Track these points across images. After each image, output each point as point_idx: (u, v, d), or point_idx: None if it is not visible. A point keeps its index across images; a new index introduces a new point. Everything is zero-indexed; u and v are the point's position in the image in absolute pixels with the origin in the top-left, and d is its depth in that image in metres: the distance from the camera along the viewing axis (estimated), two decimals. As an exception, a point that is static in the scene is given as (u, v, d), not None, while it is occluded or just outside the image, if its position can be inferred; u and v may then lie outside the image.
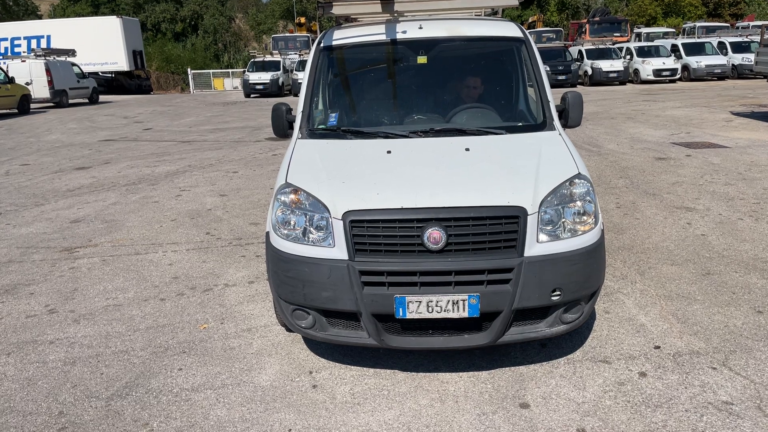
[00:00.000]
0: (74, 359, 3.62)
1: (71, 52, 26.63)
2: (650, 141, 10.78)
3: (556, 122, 3.84)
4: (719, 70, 25.01)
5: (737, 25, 34.91)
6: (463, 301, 2.95)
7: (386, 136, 3.75)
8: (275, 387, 3.24)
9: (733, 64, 25.21)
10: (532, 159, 3.36)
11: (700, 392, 3.03)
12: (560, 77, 25.46)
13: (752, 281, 4.40)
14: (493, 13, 5.22)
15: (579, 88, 24.94)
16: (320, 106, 4.24)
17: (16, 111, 21.63)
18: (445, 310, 2.97)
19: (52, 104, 24.49)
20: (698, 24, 35.21)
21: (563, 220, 3.10)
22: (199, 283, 4.77)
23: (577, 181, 3.20)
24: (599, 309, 4.01)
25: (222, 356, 3.59)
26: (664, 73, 25.12)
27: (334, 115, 4.17)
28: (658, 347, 3.49)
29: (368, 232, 3.00)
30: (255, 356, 3.57)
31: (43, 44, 31.97)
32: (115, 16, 35.63)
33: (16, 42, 33.73)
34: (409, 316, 2.97)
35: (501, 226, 2.98)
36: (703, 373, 3.21)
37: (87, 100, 26.99)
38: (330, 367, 3.42)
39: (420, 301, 2.95)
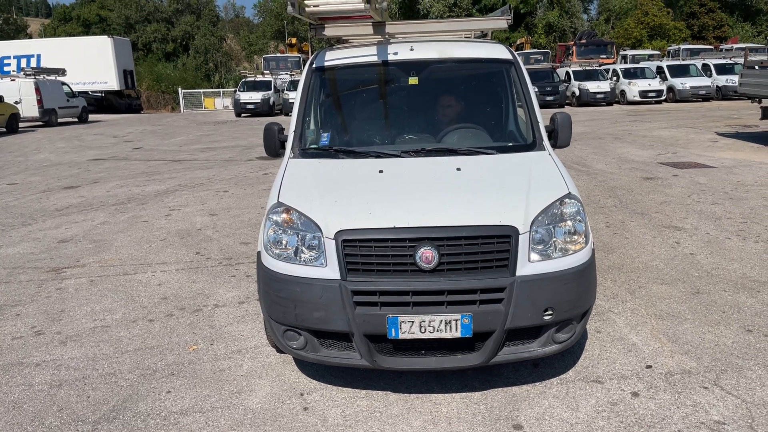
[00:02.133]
0: (61, 382, 3.55)
1: (61, 72, 26.58)
2: (638, 161, 10.90)
3: (546, 142, 3.88)
4: (704, 92, 25.45)
5: (721, 47, 35.59)
6: (456, 320, 2.93)
7: (378, 155, 3.76)
8: (266, 409, 3.19)
9: (717, 86, 25.66)
10: (523, 179, 3.39)
11: (692, 412, 3.03)
12: (548, 98, 25.74)
13: (741, 300, 4.43)
14: (482, 36, 5.28)
15: (567, 109, 25.24)
16: (312, 126, 4.24)
17: (5, 130, 21.50)
18: (437, 330, 2.94)
19: (41, 123, 24.37)
20: (683, 46, 35.86)
21: (554, 239, 3.11)
22: (189, 304, 4.72)
23: (567, 200, 3.23)
24: (591, 328, 4.01)
25: (211, 378, 3.54)
26: (650, 95, 25.53)
27: (326, 134, 4.18)
28: (649, 367, 3.49)
29: (360, 251, 2.99)
30: (245, 378, 3.53)
31: (33, 63, 31.89)
32: (106, 36, 35.73)
33: (5, 61, 33.67)
34: (401, 336, 2.95)
35: (493, 246, 2.98)
36: (694, 392, 3.21)
37: (76, 120, 26.90)
38: (321, 388, 3.38)
39: (413, 321, 2.93)
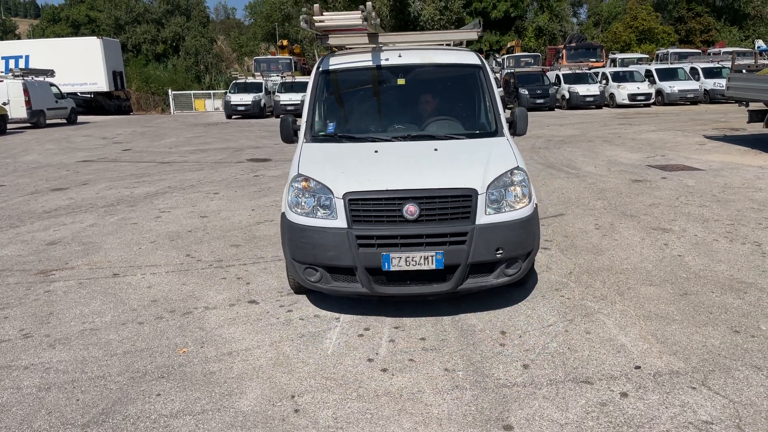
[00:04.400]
0: (49, 385, 3.53)
1: (50, 73, 26.35)
2: (627, 163, 10.99)
3: (506, 130, 4.91)
4: (692, 95, 25.67)
5: (709, 51, 35.93)
6: (432, 256, 3.93)
7: (373, 140, 4.73)
8: (256, 412, 3.19)
9: (705, 89, 25.89)
10: (484, 156, 4.40)
11: (681, 412, 3.06)
12: (538, 101, 25.87)
13: (728, 301, 4.48)
14: (459, 44, 6.00)
15: (557, 112, 25.41)
16: (318, 118, 5.12)
17: (-8, 131, 21.31)
18: (418, 264, 3.93)
19: (29, 125, 24.15)
20: (671, 50, 36.14)
21: (505, 199, 4.15)
22: (179, 306, 4.70)
23: (516, 171, 4.26)
24: (580, 329, 4.04)
25: (202, 381, 3.53)
26: (639, 98, 25.70)
27: (331, 124, 5.12)
28: (638, 367, 3.52)
29: (362, 207, 4.00)
30: (236, 380, 3.52)
31: (22, 64, 31.60)
32: (95, 37, 35.46)
33: (-7, 62, 33.35)
34: (393, 268, 3.94)
35: (459, 203, 4.01)
36: (683, 392, 3.24)
37: (65, 121, 26.68)
38: (312, 390, 3.38)
39: (400, 257, 3.93)
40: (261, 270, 5.51)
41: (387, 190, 3.98)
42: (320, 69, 5.24)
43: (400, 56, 5.19)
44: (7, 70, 29.26)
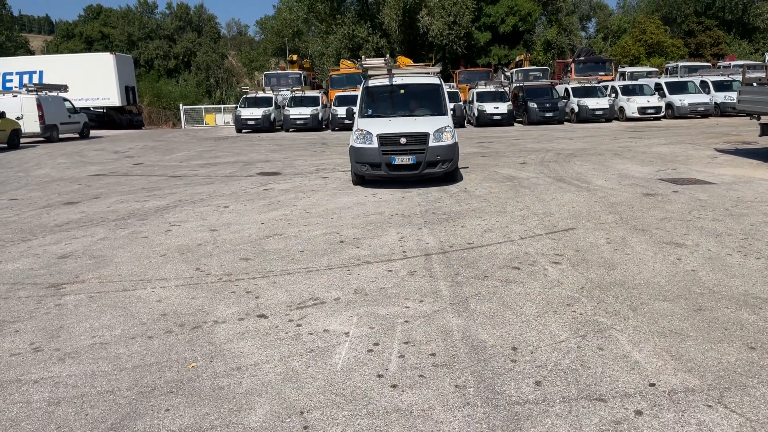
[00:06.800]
0: (59, 399, 3.52)
1: (63, 88, 26.71)
2: (638, 177, 10.93)
3: (449, 114, 11.25)
4: (702, 108, 25.52)
5: (719, 64, 35.79)
6: (411, 158, 10.37)
7: (389, 116, 11.20)
8: (265, 428, 3.16)
9: (715, 102, 25.76)
10: (435, 122, 10.74)
11: (697, 431, 3.00)
12: (547, 114, 25.83)
13: (744, 317, 4.41)
14: (436, 72, 12.38)
15: (566, 125, 25.35)
16: (363, 108, 11.48)
17: (6, 145, 21.55)
18: (405, 161, 10.37)
19: (42, 139, 24.46)
20: (680, 64, 36.05)
21: (441, 136, 10.43)
22: (188, 320, 4.70)
23: (447, 127, 10.61)
24: (593, 345, 3.99)
25: (211, 396, 3.51)
26: (649, 111, 25.61)
27: (369, 110, 11.48)
28: (653, 384, 3.46)
29: (385, 140, 10.38)
30: (245, 396, 3.50)
31: (35, 80, 32.07)
32: (108, 53, 35.96)
33: (8, 77, 33.82)
34: (396, 163, 10.39)
35: (422, 137, 10.39)
36: (698, 411, 3.18)
37: (78, 135, 26.99)
38: (321, 406, 3.35)
39: (398, 158, 10.37)
40: (270, 284, 5.50)
41: (394, 132, 10.32)
42: (365, 85, 11.85)
43: (401, 80, 11.66)
44: (21, 85, 29.70)
